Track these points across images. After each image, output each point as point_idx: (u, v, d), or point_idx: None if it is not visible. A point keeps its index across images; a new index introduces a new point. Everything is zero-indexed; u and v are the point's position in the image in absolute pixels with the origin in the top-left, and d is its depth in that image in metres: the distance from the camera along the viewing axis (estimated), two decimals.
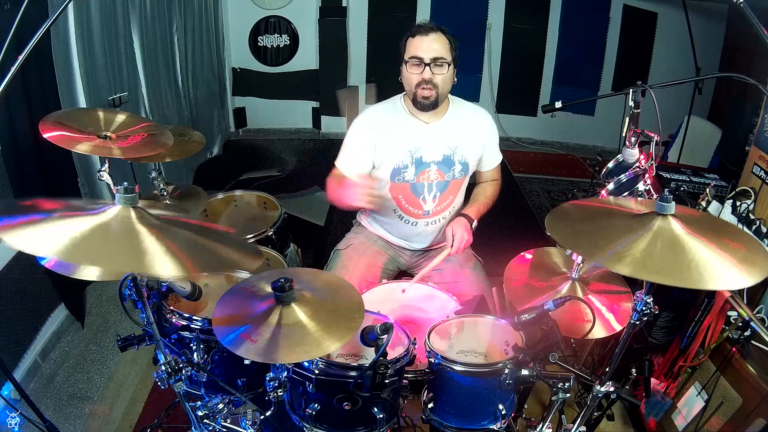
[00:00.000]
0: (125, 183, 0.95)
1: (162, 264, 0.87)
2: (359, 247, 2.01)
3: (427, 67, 1.72)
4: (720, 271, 0.96)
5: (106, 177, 1.64)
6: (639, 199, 1.63)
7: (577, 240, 1.10)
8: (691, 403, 1.85)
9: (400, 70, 1.81)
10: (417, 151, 1.85)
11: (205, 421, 1.33)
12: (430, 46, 1.71)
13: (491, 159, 1.99)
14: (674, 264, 0.97)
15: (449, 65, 1.74)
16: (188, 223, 1.07)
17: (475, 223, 1.87)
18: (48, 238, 0.83)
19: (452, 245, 1.81)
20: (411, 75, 1.75)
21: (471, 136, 1.89)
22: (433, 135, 1.85)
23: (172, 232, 0.96)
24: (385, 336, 1.16)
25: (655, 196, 1.67)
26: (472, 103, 1.96)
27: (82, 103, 2.64)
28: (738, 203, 1.92)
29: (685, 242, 1.00)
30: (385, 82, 4.87)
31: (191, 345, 1.45)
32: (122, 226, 0.91)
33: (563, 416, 1.72)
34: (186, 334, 1.45)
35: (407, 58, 1.75)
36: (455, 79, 1.81)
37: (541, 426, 1.49)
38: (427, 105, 1.77)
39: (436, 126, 1.86)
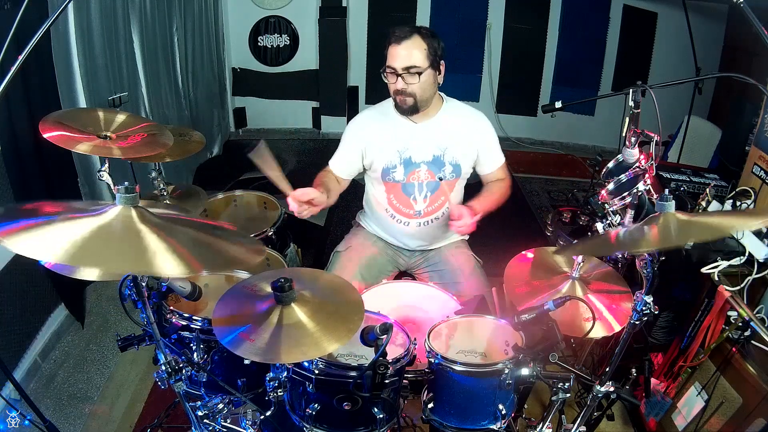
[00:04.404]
0: (126, 183, 0.95)
1: (166, 263, 0.86)
2: (359, 248, 2.01)
3: (399, 78, 1.72)
4: (735, 221, 1.07)
5: (106, 177, 1.64)
6: (647, 169, 1.67)
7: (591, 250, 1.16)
8: (691, 403, 1.85)
9: None
10: (405, 151, 1.86)
11: (205, 421, 1.33)
12: (402, 55, 1.70)
13: (491, 161, 1.97)
14: (692, 229, 1.05)
15: (423, 72, 1.72)
16: (190, 221, 1.07)
17: (478, 216, 1.77)
18: (50, 241, 0.83)
19: (456, 218, 1.72)
20: (389, 83, 1.78)
21: (462, 138, 1.88)
22: (421, 135, 1.86)
23: (175, 230, 0.96)
24: (385, 336, 1.16)
25: (655, 196, 1.67)
26: (471, 104, 1.95)
27: (82, 103, 2.64)
28: (738, 203, 1.92)
29: (694, 219, 1.06)
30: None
31: (191, 345, 1.45)
32: (124, 227, 0.91)
33: (563, 416, 1.72)
34: (186, 334, 1.45)
35: (385, 66, 1.76)
36: (440, 81, 1.81)
37: (541, 426, 1.49)
38: (406, 110, 1.80)
39: (425, 126, 1.86)
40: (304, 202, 1.64)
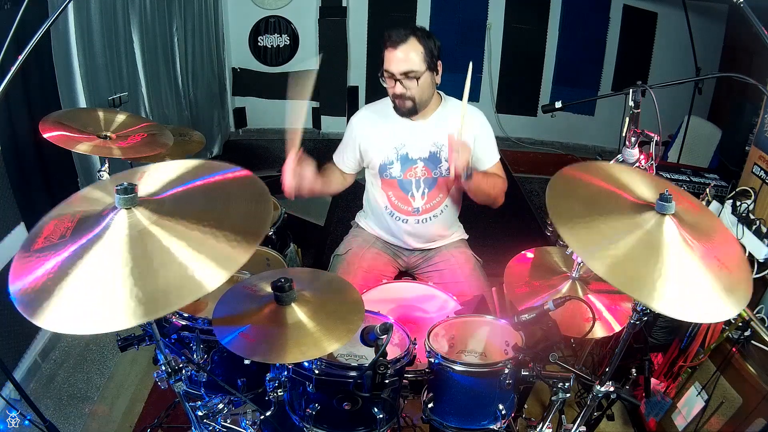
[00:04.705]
0: (125, 183, 0.93)
1: (209, 274, 0.84)
2: (358, 251, 2.02)
3: (398, 83, 1.72)
4: (681, 297, 0.94)
5: (106, 177, 1.64)
6: (647, 169, 1.62)
7: (571, 224, 1.05)
8: (691, 403, 1.85)
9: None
10: (402, 147, 1.87)
11: (205, 421, 1.33)
12: (399, 60, 1.70)
13: (486, 157, 1.93)
14: (640, 276, 0.95)
15: (421, 77, 1.72)
16: (190, 192, 1.03)
17: (472, 179, 1.68)
18: (82, 306, 0.80)
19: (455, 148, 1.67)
20: (387, 87, 1.78)
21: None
22: (418, 132, 1.87)
23: (189, 225, 0.93)
24: (385, 336, 1.16)
25: None
26: (471, 104, 1.95)
27: (82, 103, 2.64)
28: (738, 203, 1.92)
29: (668, 253, 0.98)
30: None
31: (191, 345, 1.45)
32: (141, 241, 0.87)
33: (563, 416, 1.72)
34: (186, 334, 1.45)
35: (382, 70, 1.76)
36: (437, 81, 1.81)
37: (541, 426, 1.49)
38: (405, 113, 1.81)
39: (422, 124, 1.87)
40: (297, 172, 1.68)
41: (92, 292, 0.82)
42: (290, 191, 1.71)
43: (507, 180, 1.94)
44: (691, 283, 0.96)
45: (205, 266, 0.86)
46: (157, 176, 1.04)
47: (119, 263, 0.85)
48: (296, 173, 1.69)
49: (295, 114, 1.64)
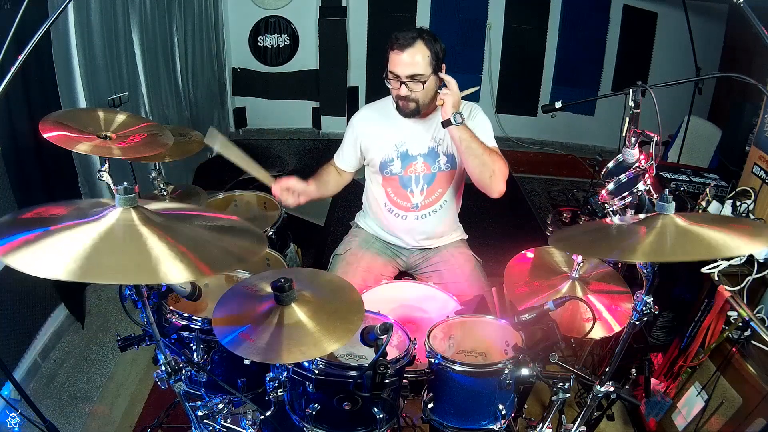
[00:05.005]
0: (125, 183, 0.94)
1: (173, 270, 0.85)
2: (357, 251, 2.02)
3: (403, 85, 1.73)
4: (733, 241, 1.00)
5: (106, 177, 1.64)
6: (647, 169, 1.67)
7: (585, 248, 1.15)
8: (691, 403, 1.85)
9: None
10: (402, 144, 1.89)
11: (205, 421, 1.33)
12: (406, 63, 1.70)
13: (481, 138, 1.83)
14: (687, 244, 1.02)
15: (427, 81, 1.72)
16: (191, 215, 1.06)
17: (460, 126, 1.68)
18: (52, 257, 0.82)
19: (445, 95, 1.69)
20: (391, 88, 1.79)
21: None
22: (418, 130, 1.88)
23: (178, 231, 0.96)
24: (385, 336, 1.16)
25: (655, 196, 1.67)
26: (468, 102, 1.95)
27: (82, 103, 2.64)
28: (738, 203, 1.92)
29: (692, 230, 1.04)
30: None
31: (191, 345, 1.45)
32: (126, 232, 0.90)
33: (563, 416, 1.72)
34: (186, 334, 1.45)
35: (387, 71, 1.76)
36: (440, 83, 1.80)
37: (541, 426, 1.49)
38: (408, 114, 1.81)
39: (422, 121, 1.88)
40: (284, 188, 1.82)
41: (59, 246, 0.84)
42: (290, 205, 1.87)
43: (508, 165, 1.86)
44: (728, 237, 1.01)
45: (169, 262, 0.87)
46: (163, 205, 1.07)
47: (94, 235, 0.88)
48: (285, 195, 1.83)
49: (242, 161, 1.76)
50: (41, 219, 0.93)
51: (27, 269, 0.79)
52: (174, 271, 0.86)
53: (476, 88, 1.76)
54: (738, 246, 1.01)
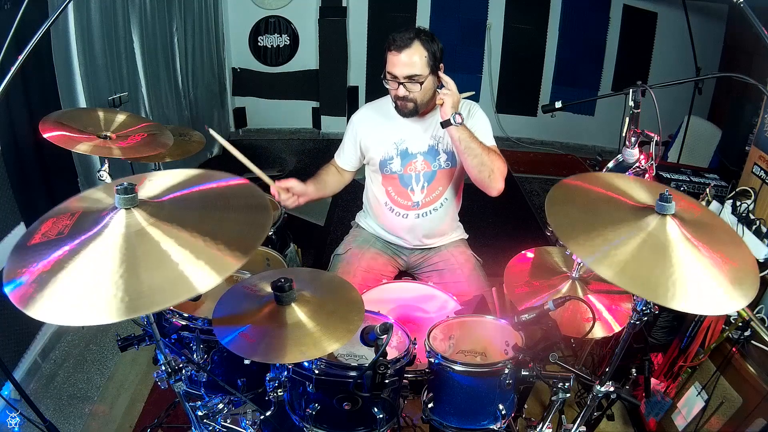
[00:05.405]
0: (124, 183, 0.93)
1: (201, 274, 0.84)
2: (358, 251, 2.02)
3: (401, 86, 1.73)
4: (695, 292, 0.94)
5: (106, 177, 1.64)
6: (647, 169, 1.63)
7: (572, 231, 1.07)
8: (691, 403, 1.85)
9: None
10: (402, 143, 1.89)
11: (205, 421, 1.33)
12: (403, 64, 1.70)
13: (479, 137, 1.83)
14: (652, 277, 0.95)
15: (425, 81, 1.72)
16: (189, 194, 1.04)
17: (459, 126, 1.69)
18: (73, 300, 0.80)
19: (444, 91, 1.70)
20: (390, 89, 1.79)
21: None
22: (418, 128, 1.88)
23: (187, 220, 0.94)
24: (385, 336, 1.16)
25: None
26: (467, 100, 1.94)
27: (82, 103, 2.65)
28: (738, 203, 1.92)
29: (675, 253, 0.99)
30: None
31: (191, 345, 1.45)
32: (140, 242, 0.88)
33: (563, 416, 1.72)
34: (186, 334, 1.45)
35: (385, 72, 1.76)
36: (439, 83, 1.80)
37: (541, 426, 1.49)
38: (406, 114, 1.81)
39: (422, 120, 1.88)
40: (283, 189, 1.80)
41: (84, 286, 0.82)
42: (289, 206, 1.87)
43: (507, 164, 1.85)
44: (701, 279, 0.96)
45: (197, 269, 0.86)
46: (158, 182, 1.05)
47: (114, 261, 0.85)
48: (284, 196, 1.82)
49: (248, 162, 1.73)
50: (50, 242, 0.89)
51: (56, 321, 0.78)
52: (203, 276, 0.84)
53: (471, 93, 1.77)
54: (698, 300, 0.93)
